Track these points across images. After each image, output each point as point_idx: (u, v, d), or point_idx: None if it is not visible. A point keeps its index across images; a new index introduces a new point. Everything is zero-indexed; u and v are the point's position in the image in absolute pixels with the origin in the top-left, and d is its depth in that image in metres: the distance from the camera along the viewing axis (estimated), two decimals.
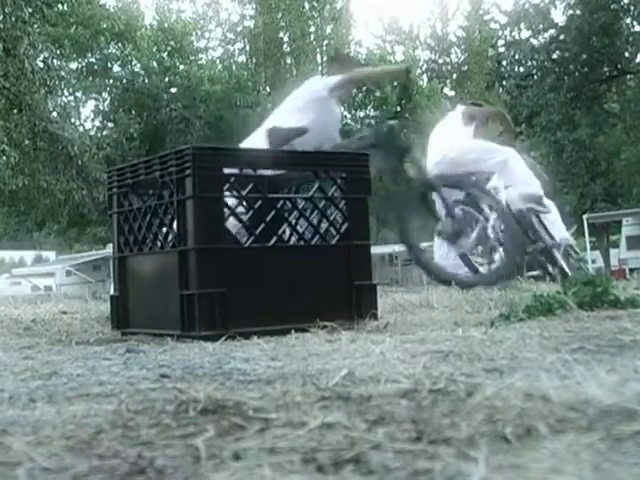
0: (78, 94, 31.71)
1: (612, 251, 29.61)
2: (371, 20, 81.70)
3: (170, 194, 3.09)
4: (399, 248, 30.88)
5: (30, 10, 18.03)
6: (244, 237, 3.20)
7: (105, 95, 32.91)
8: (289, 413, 1.24)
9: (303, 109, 5.16)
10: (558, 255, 6.45)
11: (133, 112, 31.01)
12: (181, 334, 2.92)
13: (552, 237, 6.55)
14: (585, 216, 22.87)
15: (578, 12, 23.89)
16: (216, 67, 34.72)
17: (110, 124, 32.17)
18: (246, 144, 5.09)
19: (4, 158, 18.80)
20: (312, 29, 36.15)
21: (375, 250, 20.02)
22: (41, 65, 19.72)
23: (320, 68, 36.61)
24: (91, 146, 22.01)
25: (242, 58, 37.22)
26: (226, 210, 3.10)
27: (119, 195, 3.48)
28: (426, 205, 5.47)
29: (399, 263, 30.22)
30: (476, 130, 6.62)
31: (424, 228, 5.58)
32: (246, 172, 3.24)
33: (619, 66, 24.76)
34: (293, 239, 3.36)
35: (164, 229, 3.18)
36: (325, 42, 36.54)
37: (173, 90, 32.20)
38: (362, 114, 36.31)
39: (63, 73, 21.43)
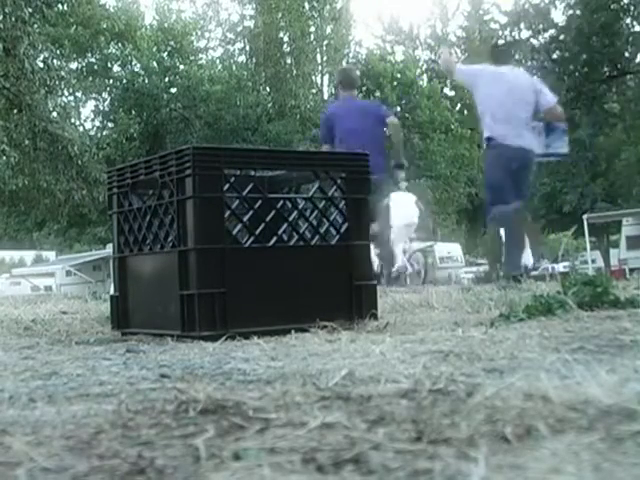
0: (78, 94, 31.74)
1: (612, 251, 29.61)
2: (371, 20, 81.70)
3: (170, 194, 3.09)
4: None
5: (30, 10, 18.01)
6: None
7: (105, 95, 32.94)
8: (289, 413, 1.24)
9: None
10: None
11: (133, 112, 31.02)
12: (181, 334, 2.92)
13: None
14: (585, 216, 22.86)
15: (578, 12, 23.88)
16: (216, 67, 34.73)
17: (110, 124, 32.19)
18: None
19: (4, 158, 18.79)
20: (312, 29, 36.13)
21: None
22: (41, 65, 19.70)
23: (320, 68, 36.65)
24: (91, 146, 22.01)
25: (242, 58, 37.22)
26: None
27: (119, 195, 3.48)
28: None
29: None
30: None
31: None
32: (246, 172, 3.24)
33: (619, 66, 24.75)
34: (293, 239, 3.35)
35: (164, 229, 3.18)
36: (325, 42, 36.52)
37: (173, 90, 32.21)
38: None
39: (63, 73, 21.37)
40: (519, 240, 6.29)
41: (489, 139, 6.24)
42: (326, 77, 37.25)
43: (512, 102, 6.07)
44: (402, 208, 11.38)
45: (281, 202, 3.35)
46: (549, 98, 6.38)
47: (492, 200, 6.21)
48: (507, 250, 6.18)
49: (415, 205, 12.19)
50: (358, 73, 7.69)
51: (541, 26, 25.26)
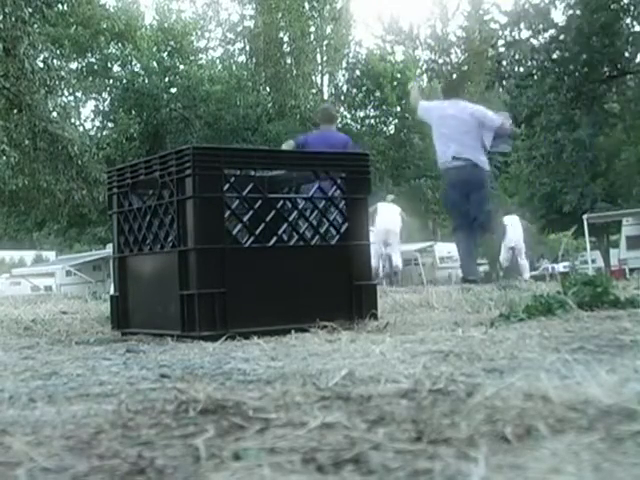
0: (78, 94, 31.72)
1: (612, 251, 29.60)
2: (371, 20, 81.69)
3: (170, 194, 3.09)
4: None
5: (30, 10, 18.00)
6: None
7: (105, 95, 32.92)
8: (289, 413, 1.24)
9: None
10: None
11: (133, 112, 31.01)
12: (181, 334, 2.92)
13: None
14: (585, 216, 22.85)
15: (578, 12, 23.86)
16: (216, 67, 34.71)
17: (110, 124, 32.18)
18: None
19: (4, 158, 18.78)
20: (312, 29, 36.10)
21: None
22: (41, 65, 19.69)
23: (320, 68, 36.64)
24: (91, 146, 22.00)
25: (242, 58, 37.20)
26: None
27: (119, 195, 3.48)
28: None
29: None
30: None
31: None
32: (246, 172, 3.25)
33: (619, 66, 24.73)
34: (293, 239, 3.35)
35: (164, 229, 3.18)
36: (325, 42, 36.50)
37: (173, 90, 32.20)
38: (362, 114, 36.30)
39: (63, 73, 21.34)
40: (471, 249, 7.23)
41: (441, 161, 7.25)
42: (326, 77, 37.26)
43: (455, 128, 7.01)
44: (384, 214, 13.63)
45: (281, 202, 3.35)
46: (494, 118, 7.22)
47: (452, 211, 7.51)
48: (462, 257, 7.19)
49: (399, 215, 14.21)
50: (335, 111, 9.22)
51: (541, 26, 25.23)
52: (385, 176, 31.20)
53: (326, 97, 36.49)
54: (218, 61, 36.21)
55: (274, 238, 3.19)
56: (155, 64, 32.23)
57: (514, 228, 15.25)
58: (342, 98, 36.00)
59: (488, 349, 1.97)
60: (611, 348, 1.92)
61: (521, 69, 26.11)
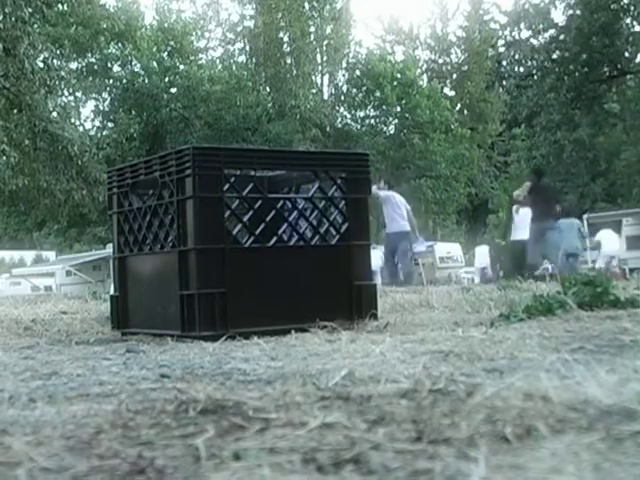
0: (78, 94, 31.75)
1: None
2: (371, 20, 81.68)
3: (170, 194, 3.09)
4: None
5: (30, 10, 17.98)
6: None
7: (105, 95, 32.95)
8: (289, 413, 1.24)
9: None
10: None
11: (133, 112, 31.03)
12: (181, 334, 2.92)
13: None
14: (585, 216, 22.88)
15: (578, 12, 23.88)
16: (216, 67, 34.74)
17: (110, 124, 32.21)
18: None
19: (4, 158, 18.76)
20: (312, 29, 36.10)
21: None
22: (41, 65, 19.66)
23: (320, 68, 36.63)
24: (91, 146, 21.98)
25: (242, 58, 37.22)
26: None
27: (119, 195, 3.48)
28: None
29: None
30: None
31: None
32: (246, 172, 3.25)
33: (619, 66, 24.75)
34: (293, 239, 3.35)
35: (164, 229, 3.18)
36: (325, 42, 36.50)
37: (173, 90, 32.22)
38: (362, 114, 36.29)
39: (63, 73, 21.31)
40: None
41: (387, 228, 11.60)
42: (326, 77, 37.25)
43: (393, 208, 11.27)
44: None
45: (281, 202, 3.35)
46: (409, 208, 11.72)
47: (386, 258, 11.76)
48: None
49: None
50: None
51: (541, 26, 25.27)
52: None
53: (326, 97, 36.49)
54: (218, 61, 36.24)
55: (274, 238, 3.19)
56: (155, 64, 32.26)
57: (484, 254, 22.59)
58: (342, 98, 36.00)
59: (488, 349, 1.97)
60: (611, 348, 1.92)
61: (521, 69, 26.15)
